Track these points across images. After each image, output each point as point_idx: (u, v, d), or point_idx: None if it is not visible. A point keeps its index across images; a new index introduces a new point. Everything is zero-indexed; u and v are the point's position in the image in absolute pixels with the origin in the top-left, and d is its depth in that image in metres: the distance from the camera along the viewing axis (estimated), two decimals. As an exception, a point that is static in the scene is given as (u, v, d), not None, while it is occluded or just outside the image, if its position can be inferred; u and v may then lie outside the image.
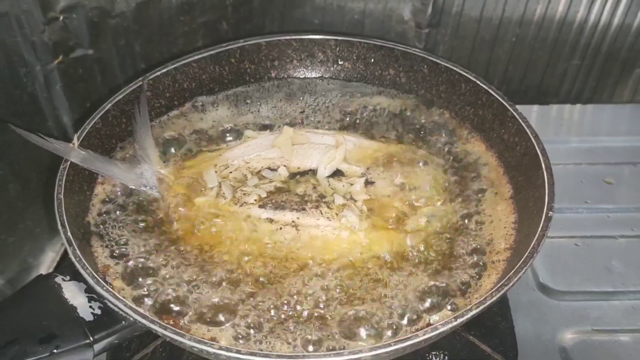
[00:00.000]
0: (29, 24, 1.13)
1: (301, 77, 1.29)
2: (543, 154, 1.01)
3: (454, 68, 1.18)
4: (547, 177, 0.98)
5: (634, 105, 1.56)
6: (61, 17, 1.18)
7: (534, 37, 1.46)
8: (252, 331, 0.87)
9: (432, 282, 0.93)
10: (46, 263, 1.29)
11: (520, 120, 1.07)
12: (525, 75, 1.53)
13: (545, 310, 1.13)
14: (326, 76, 1.29)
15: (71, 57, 1.23)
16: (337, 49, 1.27)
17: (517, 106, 1.11)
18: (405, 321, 0.88)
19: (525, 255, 0.87)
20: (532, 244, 0.88)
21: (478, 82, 1.15)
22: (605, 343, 1.09)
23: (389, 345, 0.77)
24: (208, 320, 0.88)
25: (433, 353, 0.99)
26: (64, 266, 0.90)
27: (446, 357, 0.99)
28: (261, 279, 0.93)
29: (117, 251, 0.96)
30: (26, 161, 1.18)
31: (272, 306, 0.89)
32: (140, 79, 1.14)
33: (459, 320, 0.79)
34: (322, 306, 0.90)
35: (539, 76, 1.53)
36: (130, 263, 0.94)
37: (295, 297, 0.91)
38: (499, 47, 1.48)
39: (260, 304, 0.90)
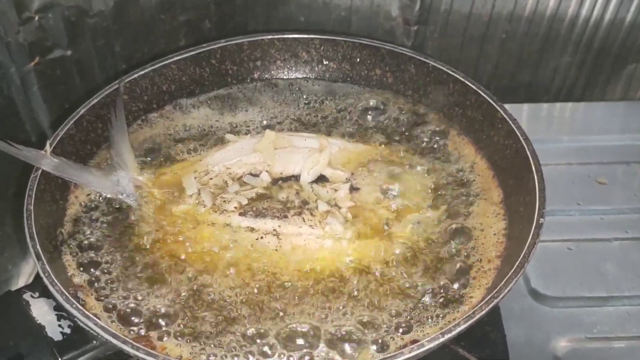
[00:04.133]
0: (3, 24, 1.09)
1: (285, 77, 1.27)
2: (533, 157, 0.99)
3: (442, 67, 1.16)
4: (537, 181, 0.95)
5: (627, 103, 1.53)
6: (36, 17, 1.15)
7: (524, 33, 1.44)
8: (229, 349, 0.84)
9: (419, 293, 0.90)
10: (26, 271, 1.26)
11: (510, 122, 1.05)
12: (516, 73, 1.51)
13: (537, 317, 1.11)
14: (311, 77, 1.27)
15: (48, 58, 1.20)
16: (322, 48, 1.25)
17: (507, 105, 1.09)
18: (391, 335, 0.85)
19: (516, 265, 0.85)
20: (522, 253, 0.86)
21: (466, 82, 1.13)
22: (600, 351, 1.07)
23: (374, 363, 0.75)
24: (184, 338, 0.85)
25: (422, 365, 0.97)
26: (35, 281, 0.86)
27: (434, 370, 0.96)
28: (240, 293, 0.90)
29: (91, 265, 0.93)
30: (3, 165, 1.15)
31: (251, 322, 0.87)
32: (117, 81, 1.11)
33: (447, 337, 0.77)
34: (304, 320, 0.87)
35: (530, 73, 1.51)
36: (105, 277, 0.91)
37: (276, 311, 0.88)
38: (489, 43, 1.46)
39: (238, 321, 0.87)
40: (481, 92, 1.11)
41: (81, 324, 0.79)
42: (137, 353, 0.75)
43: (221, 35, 1.27)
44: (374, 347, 0.84)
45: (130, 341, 0.76)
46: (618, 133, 1.45)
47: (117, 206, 1.02)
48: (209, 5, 1.38)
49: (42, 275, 0.82)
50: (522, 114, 1.49)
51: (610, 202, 1.29)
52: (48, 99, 1.22)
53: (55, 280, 0.81)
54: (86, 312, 0.79)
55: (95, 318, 0.78)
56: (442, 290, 0.90)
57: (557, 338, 1.07)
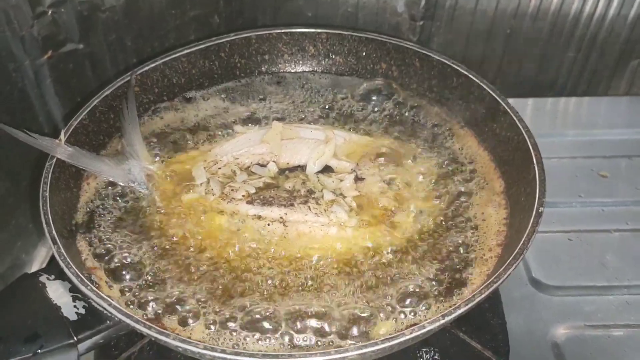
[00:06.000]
0: (17, 18, 1.11)
1: (292, 71, 1.28)
2: (535, 149, 1.00)
3: (446, 61, 1.17)
4: (538, 172, 0.97)
5: (630, 98, 1.55)
6: (50, 12, 1.17)
7: (529, 29, 1.45)
8: (237, 329, 0.86)
9: (421, 279, 0.92)
10: (38, 259, 1.28)
11: (512, 114, 1.06)
12: (521, 68, 1.53)
13: (537, 305, 1.13)
14: (317, 70, 1.28)
15: (61, 51, 1.22)
16: (328, 42, 1.26)
17: (512, 100, 1.10)
18: (393, 318, 0.87)
19: (515, 251, 0.86)
20: (522, 240, 0.88)
21: (470, 75, 1.14)
22: (599, 338, 1.08)
23: (376, 344, 0.77)
24: (195, 318, 0.87)
25: (423, 350, 0.99)
26: (52, 264, 0.89)
27: (436, 354, 0.98)
28: (248, 276, 0.92)
29: (104, 250, 0.95)
30: (17, 157, 1.17)
31: (258, 304, 0.89)
32: (128, 74, 1.13)
33: (447, 319, 0.79)
34: (309, 304, 0.89)
35: (534, 69, 1.53)
36: (117, 262, 0.93)
37: (283, 295, 0.90)
38: (494, 39, 1.47)
39: (247, 302, 0.89)
40: (484, 86, 1.12)
41: (96, 305, 0.82)
42: (149, 332, 0.77)
43: (230, 30, 1.28)
44: (376, 329, 0.86)
45: (143, 320, 0.79)
46: (621, 127, 1.47)
47: (129, 194, 1.04)
48: (218, 1, 1.40)
49: (57, 258, 0.84)
50: (526, 108, 1.50)
51: (612, 194, 1.31)
52: (60, 91, 1.24)
53: (71, 263, 0.83)
54: (100, 293, 0.81)
55: (109, 299, 0.80)
56: (443, 277, 0.92)
57: (557, 325, 1.09)
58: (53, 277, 0.87)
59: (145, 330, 0.78)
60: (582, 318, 1.11)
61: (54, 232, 0.88)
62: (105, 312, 0.81)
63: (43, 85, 1.21)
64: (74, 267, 0.83)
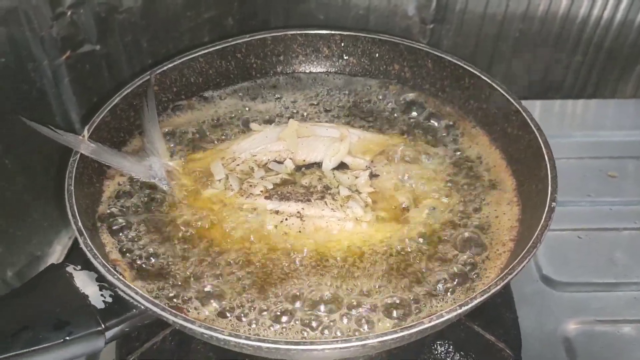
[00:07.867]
0: (38, 19, 1.13)
1: (307, 72, 1.30)
2: (546, 147, 1.02)
3: (458, 62, 1.19)
4: (550, 169, 0.98)
5: (637, 101, 1.57)
6: (69, 13, 1.19)
7: (537, 32, 1.47)
8: (259, 319, 0.88)
9: (436, 273, 0.94)
10: (54, 256, 1.30)
11: (524, 114, 1.08)
12: (529, 71, 1.54)
13: (548, 301, 1.15)
14: (331, 71, 1.30)
15: (79, 52, 1.24)
16: (343, 43, 1.28)
17: (520, 101, 1.12)
18: (408, 310, 0.89)
19: (529, 245, 0.88)
20: (535, 235, 0.89)
21: (482, 76, 1.16)
22: (608, 333, 1.10)
23: (395, 332, 0.79)
24: (215, 308, 0.89)
25: (438, 342, 1.01)
26: (75, 256, 0.91)
27: (451, 346, 1.00)
28: (267, 269, 0.94)
29: (126, 243, 0.97)
30: (34, 155, 1.19)
31: (279, 295, 0.91)
32: (148, 73, 1.15)
33: (464, 309, 0.80)
34: (327, 295, 0.91)
35: (542, 72, 1.54)
36: (139, 254, 0.95)
37: (301, 285, 0.92)
38: (503, 42, 1.49)
39: (267, 293, 0.91)
40: (496, 86, 1.14)
41: (122, 294, 0.84)
42: (175, 319, 0.79)
43: (243, 32, 1.30)
44: (393, 318, 0.88)
45: (169, 309, 0.81)
46: (628, 129, 1.49)
47: (150, 189, 1.05)
48: (232, 3, 1.42)
49: (84, 249, 0.86)
50: (535, 110, 1.52)
51: (620, 194, 1.33)
52: (77, 91, 1.26)
53: (97, 253, 0.85)
54: (127, 282, 0.83)
55: (136, 288, 0.82)
56: (457, 271, 0.94)
57: (567, 321, 1.11)
58: (79, 267, 0.88)
59: (171, 318, 0.79)
60: (592, 313, 1.12)
61: (79, 223, 0.89)
62: (132, 300, 0.83)
63: (61, 85, 1.23)
64: (100, 257, 0.85)
